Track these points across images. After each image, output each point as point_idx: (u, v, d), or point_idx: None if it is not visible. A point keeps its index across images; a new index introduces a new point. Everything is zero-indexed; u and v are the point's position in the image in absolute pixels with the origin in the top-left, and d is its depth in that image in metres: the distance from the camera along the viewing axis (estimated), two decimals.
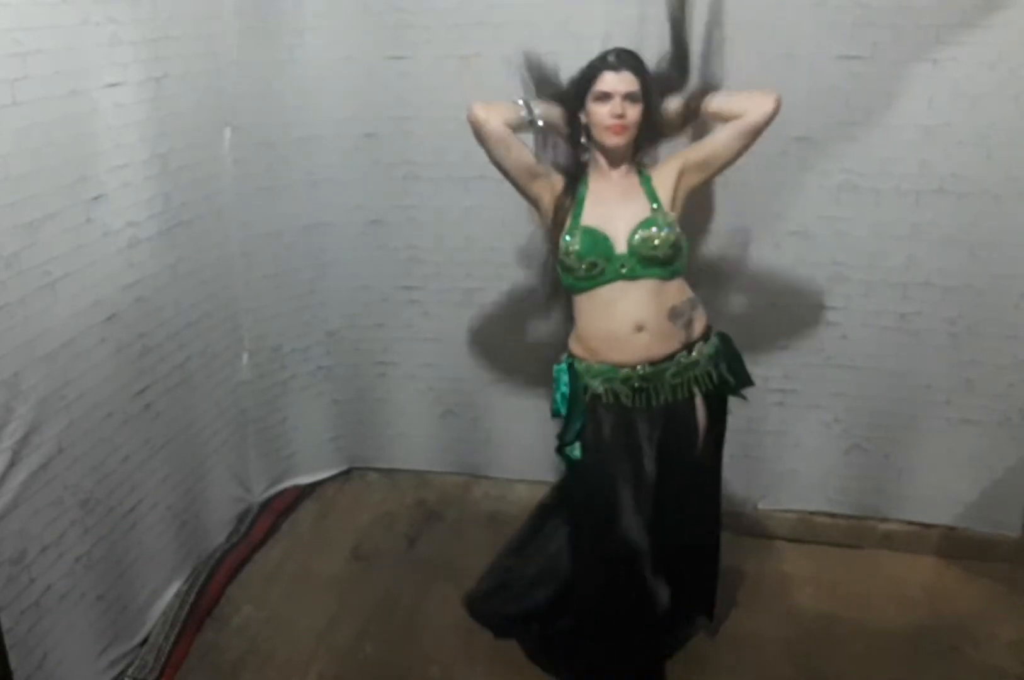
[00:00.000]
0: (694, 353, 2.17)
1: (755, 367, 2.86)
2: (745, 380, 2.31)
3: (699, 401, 2.21)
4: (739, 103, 2.10)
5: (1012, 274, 2.65)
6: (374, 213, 2.98)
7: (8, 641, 1.86)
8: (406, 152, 2.88)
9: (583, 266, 2.08)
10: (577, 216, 2.12)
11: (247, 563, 2.86)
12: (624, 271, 2.08)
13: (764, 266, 2.79)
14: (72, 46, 2.01)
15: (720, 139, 2.13)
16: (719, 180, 2.71)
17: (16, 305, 1.91)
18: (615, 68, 2.04)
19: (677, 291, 2.16)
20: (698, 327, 2.19)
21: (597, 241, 2.08)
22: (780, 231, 2.74)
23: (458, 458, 3.21)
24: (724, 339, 2.26)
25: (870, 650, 2.53)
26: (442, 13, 2.71)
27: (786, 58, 2.56)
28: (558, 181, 2.14)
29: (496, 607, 2.50)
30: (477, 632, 2.52)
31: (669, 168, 2.15)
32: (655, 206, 2.11)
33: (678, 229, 2.10)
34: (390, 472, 3.31)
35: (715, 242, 2.78)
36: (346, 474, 3.31)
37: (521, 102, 2.10)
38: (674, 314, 2.14)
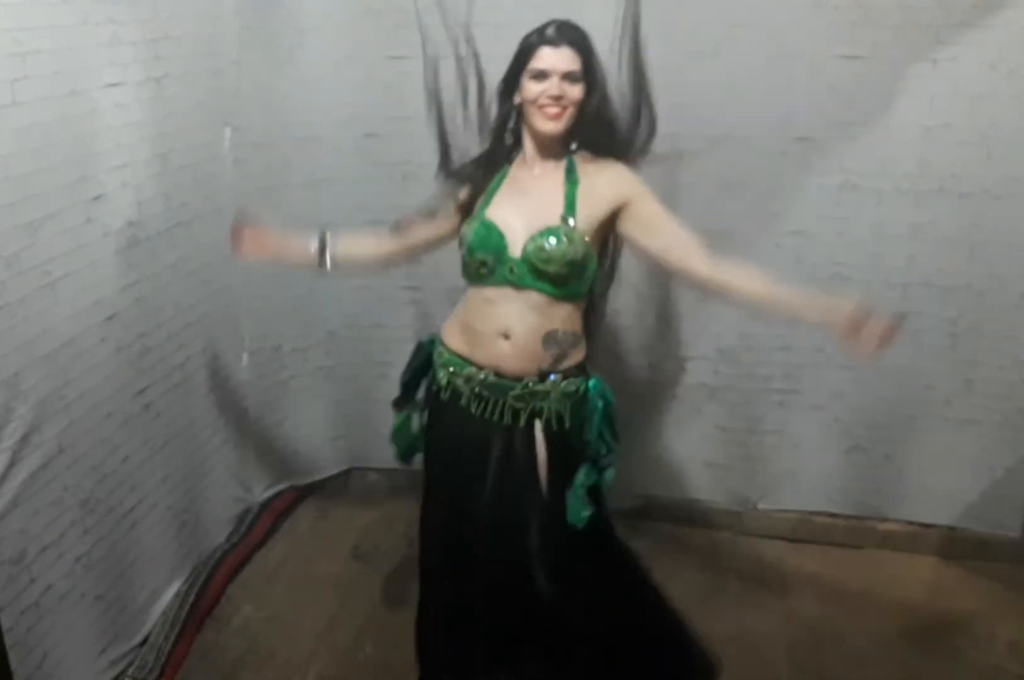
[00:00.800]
0: (546, 383, 1.93)
1: (755, 367, 2.89)
2: (600, 444, 1.99)
3: (539, 437, 1.97)
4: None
5: (1012, 274, 2.65)
6: (374, 213, 2.97)
7: (8, 641, 1.86)
8: (406, 152, 2.88)
9: (473, 262, 1.90)
10: (483, 207, 1.93)
11: (247, 563, 2.86)
12: (511, 276, 1.88)
13: (764, 266, 2.78)
14: (72, 46, 2.00)
15: (653, 244, 1.91)
16: (719, 180, 2.72)
17: (16, 305, 1.90)
18: (554, 43, 1.83)
19: (565, 317, 1.92)
20: (568, 363, 1.95)
21: (491, 237, 1.88)
22: (780, 231, 2.74)
23: None
24: (600, 391, 1.99)
25: (870, 650, 2.53)
26: (442, 13, 2.70)
27: (786, 58, 2.56)
28: (463, 192, 1.99)
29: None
30: None
31: (609, 191, 1.90)
32: (567, 216, 1.87)
33: (584, 249, 1.86)
34: (390, 472, 3.30)
35: (715, 242, 2.78)
36: (346, 474, 3.31)
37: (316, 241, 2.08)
38: (549, 340, 1.92)
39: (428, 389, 2.13)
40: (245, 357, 2.96)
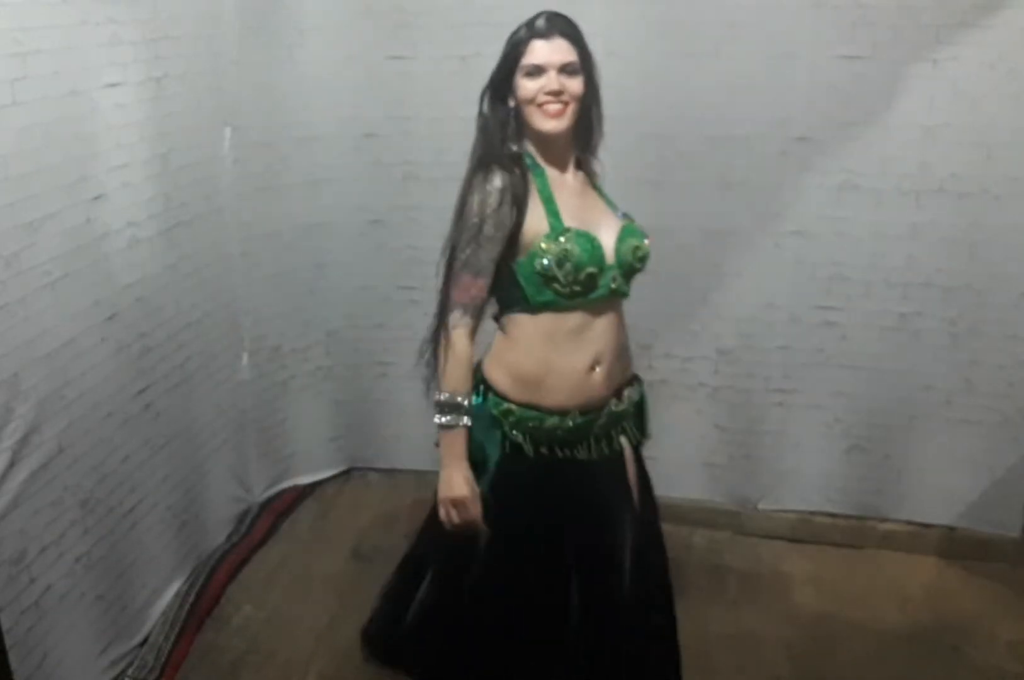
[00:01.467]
0: (623, 405, 1.82)
1: (755, 367, 2.89)
2: (646, 432, 1.94)
3: (628, 454, 1.87)
4: None
5: (1012, 274, 2.65)
6: (374, 213, 2.98)
7: (8, 641, 1.85)
8: (406, 152, 2.88)
9: (581, 277, 1.66)
10: (555, 214, 1.68)
11: (247, 563, 2.86)
12: (614, 285, 1.71)
13: (764, 266, 2.79)
14: (72, 46, 2.00)
15: None
16: (719, 180, 2.72)
17: (16, 305, 1.90)
18: (545, 35, 1.67)
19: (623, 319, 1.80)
20: (629, 371, 1.85)
21: (595, 247, 1.67)
22: (780, 231, 2.74)
23: None
24: (641, 382, 1.90)
25: (870, 650, 2.53)
26: (442, 13, 2.71)
27: (786, 58, 2.56)
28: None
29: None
30: None
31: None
32: (620, 214, 1.78)
33: None
34: (390, 472, 3.31)
35: (715, 242, 2.78)
36: (346, 474, 3.31)
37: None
38: (625, 352, 1.81)
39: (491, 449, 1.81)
40: (245, 357, 2.96)
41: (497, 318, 1.80)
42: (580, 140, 1.78)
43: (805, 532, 3.01)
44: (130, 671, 2.36)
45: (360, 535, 3.02)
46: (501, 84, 1.74)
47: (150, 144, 2.33)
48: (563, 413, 1.74)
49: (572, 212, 1.71)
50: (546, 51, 1.67)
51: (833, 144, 2.62)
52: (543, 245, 1.66)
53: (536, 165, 1.74)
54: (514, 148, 1.75)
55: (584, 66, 1.70)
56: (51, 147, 1.97)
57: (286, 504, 3.15)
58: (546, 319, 1.71)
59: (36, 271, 1.96)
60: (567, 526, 1.80)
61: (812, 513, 3.03)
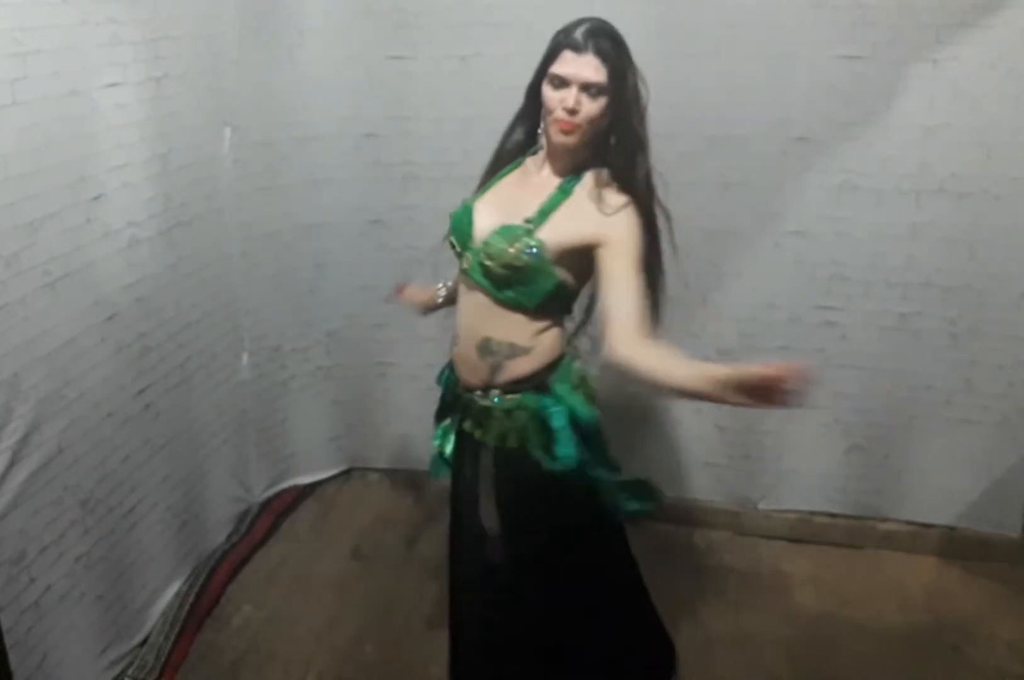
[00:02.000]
0: (487, 401, 1.85)
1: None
2: (591, 470, 1.84)
3: (485, 455, 1.89)
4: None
5: (1012, 274, 2.65)
6: (374, 213, 2.98)
7: (8, 641, 1.86)
8: (406, 152, 2.88)
9: (448, 244, 1.86)
10: (478, 193, 1.87)
11: (247, 563, 2.86)
12: (466, 266, 1.81)
13: (764, 266, 2.79)
14: (72, 46, 2.00)
15: (601, 298, 1.71)
16: (719, 180, 2.72)
17: (16, 305, 1.90)
18: (578, 48, 1.65)
19: (507, 326, 1.79)
20: (503, 377, 1.82)
21: (463, 224, 1.82)
22: (780, 231, 2.74)
23: None
24: (560, 410, 1.82)
25: (870, 650, 2.53)
26: (442, 13, 2.71)
27: (786, 58, 2.56)
28: None
29: None
30: None
31: (591, 221, 1.71)
32: (530, 221, 1.74)
33: (531, 259, 1.71)
34: (390, 472, 3.31)
35: (715, 242, 2.78)
36: (346, 474, 3.31)
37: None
38: (483, 348, 1.82)
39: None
40: (245, 357, 2.96)
41: None
42: (599, 157, 1.77)
43: (805, 532, 3.01)
44: (130, 671, 2.36)
45: (360, 535, 3.02)
46: (535, 80, 1.76)
47: (150, 144, 2.33)
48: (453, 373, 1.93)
49: (496, 196, 1.83)
50: (574, 65, 1.66)
51: (833, 144, 2.62)
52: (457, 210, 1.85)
53: (522, 156, 1.88)
54: (539, 133, 1.82)
55: (613, 88, 1.67)
56: (51, 147, 1.97)
57: (286, 504, 3.15)
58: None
59: (36, 271, 1.96)
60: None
61: (812, 513, 3.03)
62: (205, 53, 2.54)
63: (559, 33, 1.71)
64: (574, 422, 1.82)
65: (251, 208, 2.82)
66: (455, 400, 1.98)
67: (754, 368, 1.44)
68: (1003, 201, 2.58)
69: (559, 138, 1.71)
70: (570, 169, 1.79)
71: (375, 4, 2.73)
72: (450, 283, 2.10)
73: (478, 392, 1.87)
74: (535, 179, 1.83)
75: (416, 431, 3.24)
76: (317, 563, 2.88)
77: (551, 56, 1.70)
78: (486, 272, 1.76)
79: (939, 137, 2.55)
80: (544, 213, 1.75)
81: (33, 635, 2.01)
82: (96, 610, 2.25)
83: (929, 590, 2.79)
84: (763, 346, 2.85)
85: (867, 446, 2.91)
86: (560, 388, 1.84)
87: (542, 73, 1.73)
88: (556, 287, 1.77)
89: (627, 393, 2.94)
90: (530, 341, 1.81)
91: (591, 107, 1.67)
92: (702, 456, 3.03)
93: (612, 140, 1.75)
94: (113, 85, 2.16)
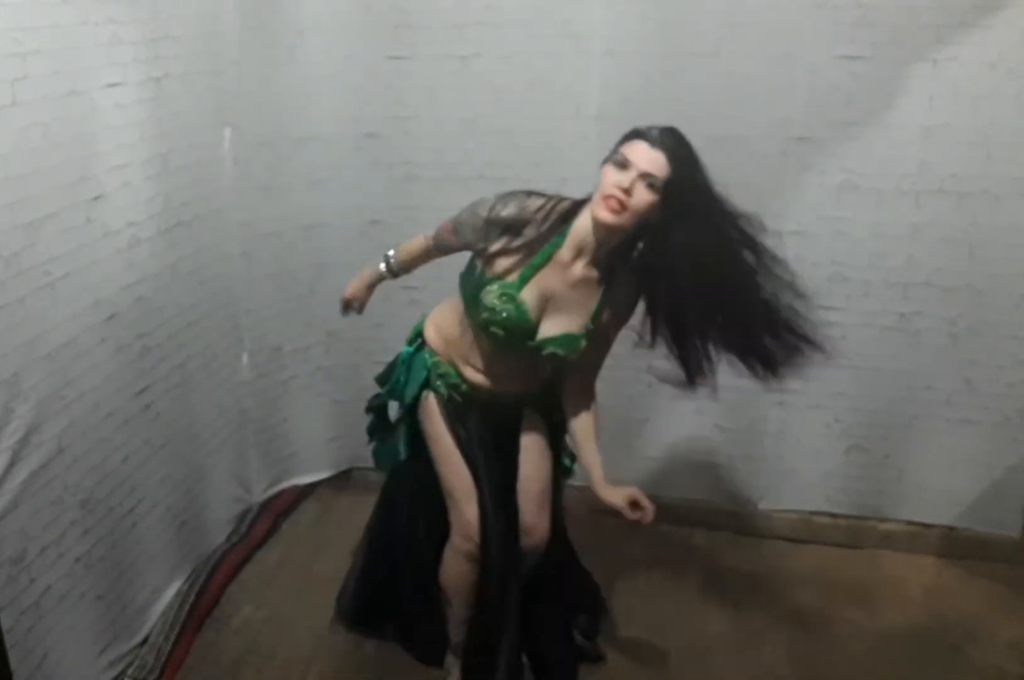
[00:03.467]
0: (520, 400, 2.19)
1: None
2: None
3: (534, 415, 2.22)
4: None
5: (1012, 274, 2.65)
6: (374, 213, 2.98)
7: (8, 641, 1.85)
8: (406, 152, 2.88)
9: (484, 324, 1.99)
10: (524, 280, 1.94)
11: (247, 563, 2.86)
12: (520, 348, 2.01)
13: None
14: (72, 46, 2.00)
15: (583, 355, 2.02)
16: (719, 180, 2.71)
17: (16, 305, 1.90)
18: (652, 142, 1.80)
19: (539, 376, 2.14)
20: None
21: (520, 321, 1.95)
22: (780, 231, 2.74)
23: None
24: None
25: (870, 650, 2.53)
26: (442, 13, 2.71)
27: (786, 58, 2.56)
28: (498, 243, 1.96)
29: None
30: None
31: (623, 306, 2.00)
32: (586, 327, 1.98)
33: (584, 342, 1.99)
34: None
35: None
36: (346, 474, 3.31)
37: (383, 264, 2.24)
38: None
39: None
40: (245, 357, 2.96)
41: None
42: (619, 256, 1.93)
43: (805, 532, 3.01)
44: (130, 671, 2.36)
45: (360, 535, 3.02)
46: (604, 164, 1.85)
47: (150, 144, 2.33)
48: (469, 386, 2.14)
49: (542, 293, 1.94)
50: (641, 153, 1.79)
51: (833, 144, 2.62)
52: (496, 293, 1.94)
53: (564, 236, 1.91)
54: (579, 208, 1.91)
55: (668, 189, 1.79)
56: (51, 147, 1.97)
57: (286, 504, 3.15)
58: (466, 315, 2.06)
59: (36, 271, 1.96)
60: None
61: (812, 513, 3.03)
62: (205, 53, 2.54)
63: (640, 127, 1.84)
64: None
65: (251, 208, 2.82)
66: (464, 400, 2.17)
67: (619, 502, 2.00)
68: (1003, 201, 2.58)
69: (602, 214, 1.80)
70: (600, 260, 1.93)
71: (375, 4, 2.72)
72: (391, 254, 2.30)
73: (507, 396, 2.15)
74: (573, 272, 1.94)
75: None
76: (317, 563, 2.88)
77: (622, 141, 1.83)
78: (537, 355, 1.99)
79: (939, 137, 2.55)
80: (594, 319, 1.98)
81: (33, 635, 2.01)
82: (96, 610, 2.25)
83: (929, 590, 2.79)
84: None
85: (867, 446, 2.91)
86: None
87: (609, 156, 1.83)
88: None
89: (627, 393, 2.95)
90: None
91: (644, 194, 1.78)
92: (702, 456, 3.03)
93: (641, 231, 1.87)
94: (113, 85, 2.15)
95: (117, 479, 2.30)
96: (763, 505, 3.04)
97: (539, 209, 1.90)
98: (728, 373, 2.92)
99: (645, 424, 3.02)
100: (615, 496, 2.00)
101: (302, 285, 3.02)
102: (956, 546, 2.92)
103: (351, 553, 2.84)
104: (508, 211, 1.91)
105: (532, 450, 2.21)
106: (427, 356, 2.20)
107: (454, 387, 2.15)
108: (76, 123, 2.05)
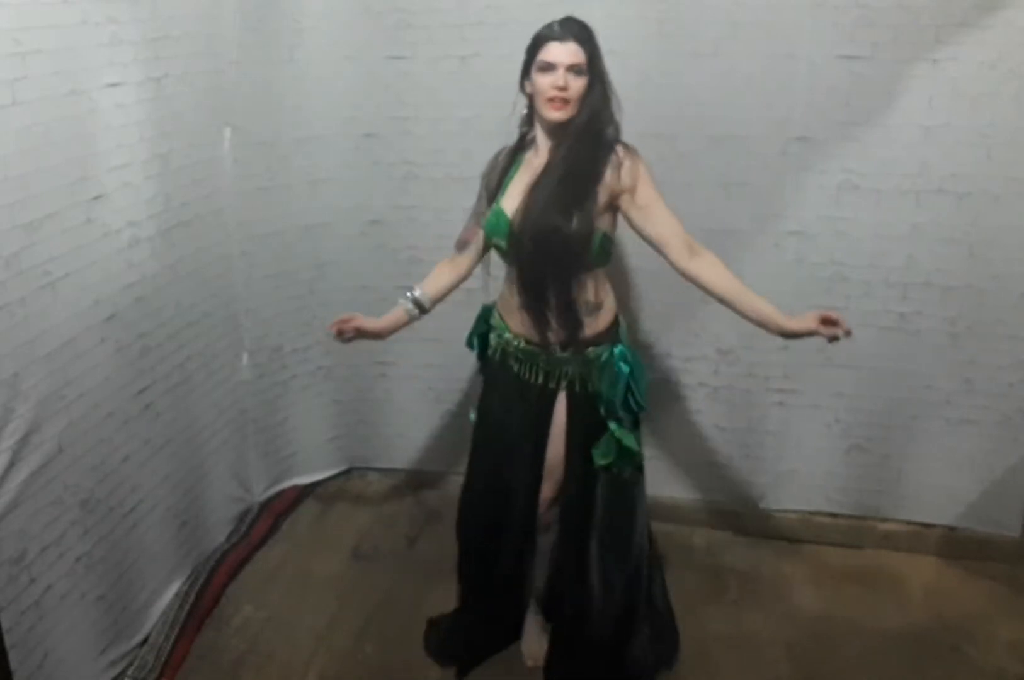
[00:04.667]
0: (568, 351, 2.13)
1: (755, 367, 2.89)
2: (628, 405, 2.16)
3: (561, 397, 2.18)
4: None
5: (1012, 274, 2.65)
6: (374, 213, 2.98)
7: (8, 641, 1.86)
8: (406, 152, 2.88)
9: (492, 243, 2.12)
10: (499, 196, 2.10)
11: (247, 563, 2.86)
12: (521, 254, 2.07)
13: (764, 266, 2.79)
14: (72, 46, 2.01)
15: (648, 227, 2.05)
16: (719, 180, 2.72)
17: (16, 305, 1.90)
18: (560, 38, 1.96)
19: (581, 287, 2.09)
20: (586, 332, 2.11)
21: (500, 221, 2.07)
22: (780, 231, 2.74)
23: (458, 458, 3.20)
24: (623, 357, 2.15)
25: (870, 650, 2.53)
26: (442, 13, 2.71)
27: (786, 58, 2.56)
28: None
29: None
30: None
31: (606, 181, 2.03)
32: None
33: (582, 226, 2.01)
34: (390, 472, 3.31)
35: (715, 242, 2.78)
36: (346, 474, 3.31)
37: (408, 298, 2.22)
38: (568, 309, 2.12)
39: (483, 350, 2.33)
40: (245, 357, 2.96)
41: None
42: (585, 128, 2.02)
43: (805, 532, 3.01)
44: (130, 671, 2.36)
45: (360, 535, 3.03)
46: (524, 75, 2.04)
47: (150, 144, 2.33)
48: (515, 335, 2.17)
49: (516, 190, 2.07)
50: (558, 52, 1.96)
51: (833, 144, 2.62)
52: (486, 217, 2.11)
53: (523, 150, 2.12)
54: (528, 130, 2.11)
55: (591, 67, 1.98)
56: (51, 147, 1.97)
57: (286, 504, 3.15)
58: (505, 265, 2.16)
59: (36, 271, 1.96)
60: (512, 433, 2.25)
61: (812, 513, 3.03)
62: (205, 53, 2.54)
63: (541, 30, 2.00)
64: (631, 371, 2.15)
65: (251, 208, 2.82)
66: (520, 356, 2.20)
67: (812, 325, 1.97)
68: (1003, 201, 2.58)
69: (553, 115, 1.99)
70: (567, 143, 2.03)
71: (375, 4, 2.73)
72: (417, 292, 2.26)
73: (554, 348, 2.13)
74: (537, 165, 2.07)
75: (416, 431, 3.25)
76: (317, 563, 2.88)
77: (535, 49, 2.00)
78: (539, 246, 2.01)
79: (939, 137, 2.55)
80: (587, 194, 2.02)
81: (33, 635, 2.01)
82: (96, 610, 2.25)
83: (929, 590, 2.79)
84: (763, 346, 2.85)
85: (867, 446, 2.91)
86: (624, 340, 2.19)
87: (528, 66, 2.01)
88: (602, 239, 2.05)
89: None
90: (598, 297, 2.11)
91: (576, 83, 1.97)
92: (702, 456, 3.03)
93: (588, 110, 2.00)
94: (113, 85, 2.16)
95: (117, 479, 2.30)
96: (763, 505, 3.04)
97: (501, 150, 2.16)
98: (728, 373, 2.95)
99: (645, 424, 3.01)
100: (805, 322, 1.97)
101: (302, 285, 3.02)
102: (956, 546, 2.92)
103: (350, 552, 2.85)
104: (487, 166, 2.18)
105: (560, 425, 2.21)
106: (491, 310, 2.30)
107: (505, 342, 2.20)
108: (76, 123, 2.05)
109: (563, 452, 2.22)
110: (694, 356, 2.92)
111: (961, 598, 2.75)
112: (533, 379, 2.18)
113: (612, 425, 2.15)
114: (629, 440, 2.17)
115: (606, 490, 2.22)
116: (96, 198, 2.14)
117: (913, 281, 2.71)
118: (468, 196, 2.87)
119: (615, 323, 2.18)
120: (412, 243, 2.98)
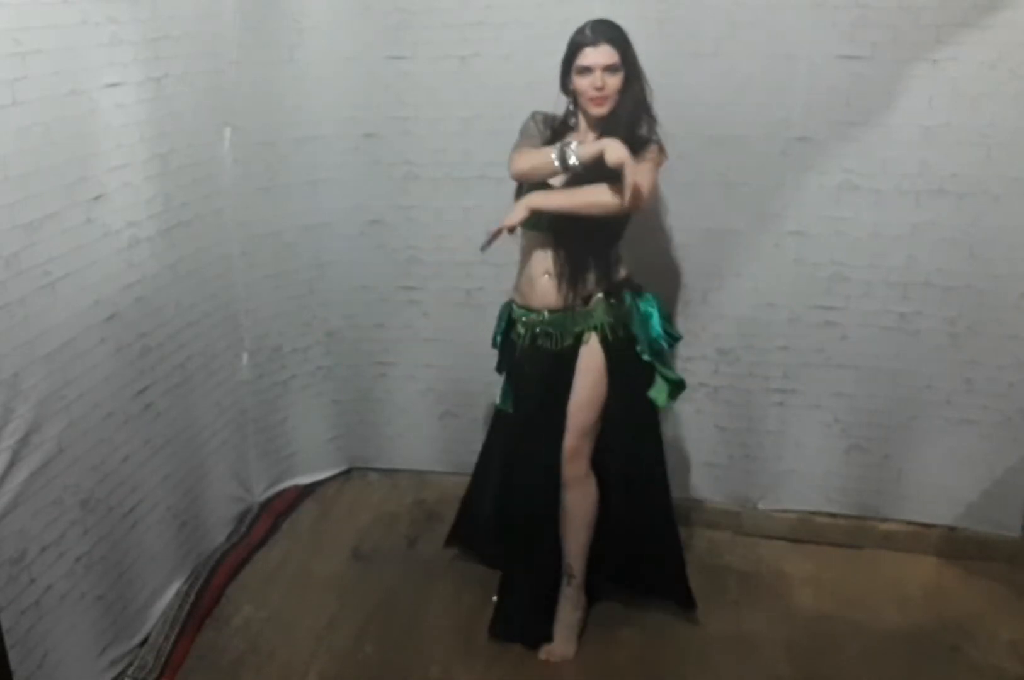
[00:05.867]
0: (589, 304, 2.31)
1: (755, 367, 2.89)
2: (663, 339, 2.36)
3: (584, 350, 2.33)
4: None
5: (1012, 274, 2.65)
6: (374, 213, 2.98)
7: (8, 641, 1.86)
8: (406, 152, 2.88)
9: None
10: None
11: (247, 563, 2.86)
12: (546, 226, 2.25)
13: (764, 266, 2.79)
14: (72, 46, 2.01)
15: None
16: (719, 180, 2.72)
17: (16, 305, 1.91)
18: (593, 43, 2.16)
19: (599, 243, 2.30)
20: (611, 281, 2.33)
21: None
22: (780, 231, 2.74)
23: (458, 458, 3.21)
24: (647, 302, 2.36)
25: (870, 650, 2.53)
26: (442, 13, 2.71)
27: (786, 58, 2.56)
28: None
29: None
30: (477, 632, 2.54)
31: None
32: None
33: None
34: (390, 472, 3.31)
35: (715, 242, 2.78)
36: (346, 474, 3.31)
37: (555, 154, 2.14)
38: (580, 267, 2.31)
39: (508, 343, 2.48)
40: (245, 357, 2.96)
41: None
42: (619, 121, 2.21)
43: (805, 532, 3.01)
44: (130, 671, 2.36)
45: (360, 535, 3.02)
46: (564, 77, 2.24)
47: (150, 144, 2.34)
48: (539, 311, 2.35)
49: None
50: (593, 56, 2.16)
51: (833, 144, 2.62)
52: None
53: (565, 135, 2.29)
54: (572, 121, 2.32)
55: (625, 63, 2.18)
56: (51, 147, 1.97)
57: (286, 504, 3.15)
58: (525, 237, 2.35)
59: (36, 271, 1.96)
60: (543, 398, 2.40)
61: (812, 513, 3.02)
62: (205, 53, 2.54)
63: (574, 36, 2.19)
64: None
65: (251, 208, 2.82)
66: (550, 329, 2.36)
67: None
68: (1003, 201, 2.58)
69: (596, 111, 2.21)
70: (599, 133, 2.23)
71: (375, 4, 2.73)
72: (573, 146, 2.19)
73: (579, 305, 2.31)
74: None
75: (416, 431, 3.25)
76: (317, 563, 2.88)
77: (572, 55, 2.19)
78: (584, 223, 2.19)
79: (939, 137, 2.55)
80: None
81: (33, 635, 2.01)
82: (96, 610, 2.25)
83: (929, 590, 2.78)
84: (763, 346, 2.85)
85: (867, 446, 2.91)
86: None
87: (568, 70, 2.21)
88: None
89: None
90: (614, 254, 2.34)
91: (613, 81, 2.18)
92: (702, 456, 3.03)
93: (630, 102, 2.22)
94: (113, 85, 2.16)
95: (117, 479, 2.30)
96: (763, 505, 3.04)
97: (535, 114, 2.34)
98: (728, 373, 2.95)
99: None
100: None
101: (302, 285, 3.02)
102: (956, 546, 2.92)
103: (350, 552, 2.85)
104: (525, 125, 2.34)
105: (586, 375, 2.34)
106: (509, 307, 2.46)
107: (532, 321, 2.35)
108: (76, 123, 2.05)
109: (584, 399, 2.35)
110: (694, 356, 2.92)
111: (961, 598, 2.75)
112: (561, 345, 2.35)
113: (656, 364, 2.35)
114: (673, 374, 2.39)
115: (650, 431, 2.50)
116: (96, 198, 2.14)
117: (913, 281, 2.71)
118: (468, 196, 2.88)
119: (629, 273, 2.39)
120: (412, 243, 2.98)
